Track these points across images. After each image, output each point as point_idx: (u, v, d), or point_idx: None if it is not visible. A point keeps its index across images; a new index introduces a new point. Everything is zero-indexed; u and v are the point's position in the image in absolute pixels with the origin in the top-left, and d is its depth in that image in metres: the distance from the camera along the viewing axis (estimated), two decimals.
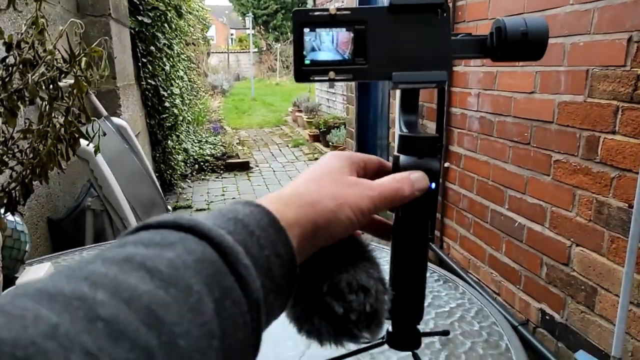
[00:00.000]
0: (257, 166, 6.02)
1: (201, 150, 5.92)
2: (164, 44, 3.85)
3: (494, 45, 0.48)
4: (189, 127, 6.02)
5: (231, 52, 22.59)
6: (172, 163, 4.56)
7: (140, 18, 3.26)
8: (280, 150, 7.04)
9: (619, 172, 1.54)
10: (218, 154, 6.00)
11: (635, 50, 1.45)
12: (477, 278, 2.40)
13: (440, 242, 2.78)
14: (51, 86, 0.58)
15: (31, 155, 0.61)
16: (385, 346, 0.62)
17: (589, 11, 1.62)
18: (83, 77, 0.59)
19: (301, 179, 0.39)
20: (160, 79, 3.85)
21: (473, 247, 2.43)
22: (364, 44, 0.50)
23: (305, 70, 0.51)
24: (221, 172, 5.65)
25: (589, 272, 1.69)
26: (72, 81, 0.61)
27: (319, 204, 0.36)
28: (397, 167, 0.51)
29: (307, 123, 7.85)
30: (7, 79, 0.59)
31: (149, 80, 3.67)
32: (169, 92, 4.07)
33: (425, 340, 0.67)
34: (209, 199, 4.60)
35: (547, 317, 1.92)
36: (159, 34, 3.64)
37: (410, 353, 0.61)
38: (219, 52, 21.76)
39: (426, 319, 0.74)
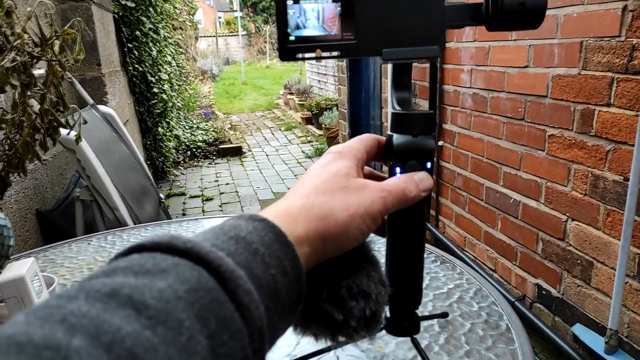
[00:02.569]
0: (250, 151, 5.98)
1: (193, 137, 5.86)
2: (150, 29, 3.77)
3: (489, 15, 0.46)
4: (179, 114, 5.95)
5: (220, 36, 22.26)
6: (164, 150, 4.51)
7: (123, 2, 3.18)
8: (273, 134, 6.99)
9: (614, 144, 1.52)
10: (210, 140, 5.94)
11: (630, 20, 1.43)
12: (473, 256, 2.40)
13: (436, 221, 2.77)
14: (23, 72, 0.55)
15: (7, 147, 0.58)
16: (384, 332, 0.60)
17: None
18: (57, 62, 0.56)
19: (309, 186, 0.37)
20: (147, 64, 3.78)
21: (468, 225, 2.42)
22: (352, 18, 0.47)
23: (291, 48, 0.48)
24: (214, 157, 5.61)
25: (585, 246, 1.69)
26: (43, 70, 0.58)
27: (330, 217, 0.34)
28: (390, 147, 0.49)
29: (299, 106, 7.79)
30: None
31: (136, 66, 3.60)
32: (156, 77, 4.00)
33: (424, 324, 0.65)
34: (202, 185, 4.57)
35: (543, 292, 1.93)
36: (144, 18, 3.56)
37: (409, 338, 0.59)
38: (207, 36, 21.43)
39: (424, 301, 0.72)
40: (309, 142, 6.28)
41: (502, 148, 2.07)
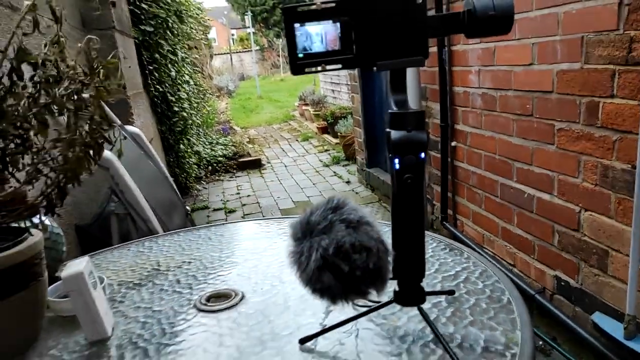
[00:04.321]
0: (269, 162, 6.10)
1: (213, 152, 6.02)
2: (168, 51, 3.93)
3: (465, 24, 0.54)
4: (199, 130, 6.11)
5: (233, 53, 22.66)
6: (186, 167, 4.65)
7: (142, 27, 3.34)
8: (290, 145, 7.11)
9: (620, 134, 1.57)
10: (230, 154, 6.09)
11: (627, 14, 1.48)
12: (492, 252, 2.44)
13: (454, 220, 2.82)
14: (75, 97, 0.65)
15: (63, 162, 0.68)
16: (396, 307, 0.69)
17: None
18: (102, 87, 0.66)
19: None
20: (167, 85, 3.93)
21: (486, 222, 2.47)
22: (350, 37, 0.56)
23: (300, 64, 0.58)
24: (234, 171, 5.74)
25: (599, 235, 1.72)
26: (91, 93, 0.68)
27: None
28: (389, 142, 0.57)
29: (314, 116, 7.90)
30: (36, 95, 0.66)
31: (157, 87, 3.75)
32: (176, 97, 4.16)
33: (432, 300, 0.73)
34: (224, 198, 4.69)
35: (562, 284, 1.96)
36: (162, 41, 3.72)
37: (418, 313, 0.67)
38: (221, 54, 21.84)
39: (433, 282, 0.80)
40: (326, 150, 6.37)
41: (514, 144, 2.13)
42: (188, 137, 4.81)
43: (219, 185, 5.21)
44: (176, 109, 4.12)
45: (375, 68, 0.55)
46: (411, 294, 0.61)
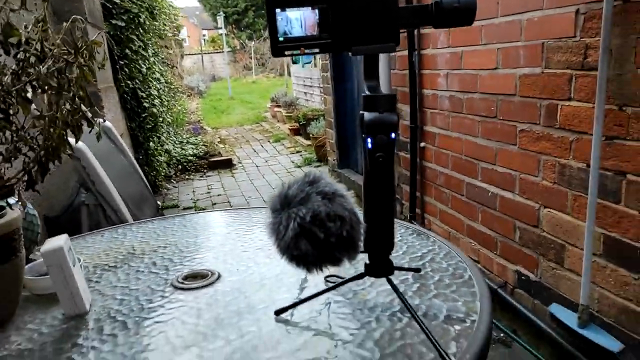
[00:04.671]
0: (240, 163, 6.09)
1: (183, 151, 5.96)
2: (139, 46, 3.89)
3: (433, 15, 0.59)
4: (169, 129, 6.05)
5: (205, 53, 22.44)
6: (155, 165, 4.60)
7: (114, 22, 3.30)
8: (262, 146, 7.11)
9: (576, 135, 1.67)
10: (201, 154, 6.04)
11: (583, 22, 1.58)
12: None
13: (422, 219, 2.90)
14: (59, 76, 0.67)
15: (44, 139, 0.69)
16: (365, 282, 0.73)
17: None
18: (86, 66, 0.68)
19: None
20: (137, 81, 3.89)
21: (452, 220, 2.56)
22: (328, 23, 0.60)
23: (280, 47, 0.62)
24: (205, 170, 5.71)
25: (557, 230, 1.82)
26: (76, 72, 0.69)
27: None
28: (362, 122, 0.62)
29: (286, 118, 7.93)
30: (19, 72, 0.67)
31: (127, 82, 3.71)
32: (147, 93, 4.11)
33: (400, 277, 0.78)
34: (195, 197, 4.66)
35: (523, 278, 2.05)
36: (134, 37, 3.68)
37: (386, 288, 0.71)
38: (192, 54, 21.59)
39: (401, 262, 0.84)
40: (298, 152, 6.40)
41: (479, 145, 2.22)
42: (158, 135, 4.75)
43: (189, 185, 5.17)
44: (146, 105, 4.08)
45: (350, 53, 0.60)
46: (381, 266, 0.66)
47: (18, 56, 0.67)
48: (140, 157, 4.27)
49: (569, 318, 1.74)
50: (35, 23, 0.67)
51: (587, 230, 1.61)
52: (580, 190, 1.69)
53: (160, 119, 4.74)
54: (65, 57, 0.66)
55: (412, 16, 0.61)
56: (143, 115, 4.06)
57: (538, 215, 1.91)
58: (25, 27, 0.74)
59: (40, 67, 0.65)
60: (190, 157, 5.83)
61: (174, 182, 5.24)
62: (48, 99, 0.70)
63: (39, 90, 0.66)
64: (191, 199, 4.62)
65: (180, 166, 5.60)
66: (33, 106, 0.70)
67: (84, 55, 0.68)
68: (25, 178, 0.70)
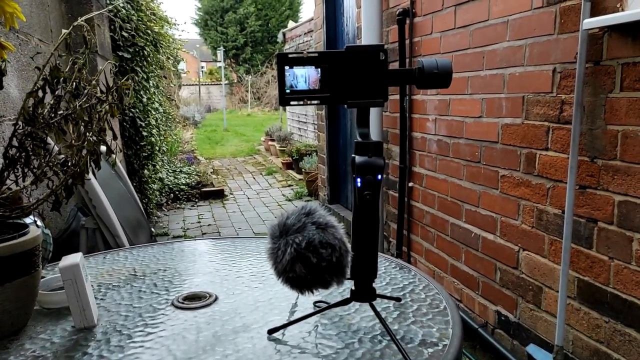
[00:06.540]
0: (232, 194, 6.16)
1: (176, 180, 6.03)
2: (142, 77, 4.03)
3: (416, 77, 0.70)
4: (163, 158, 6.13)
5: (202, 85, 22.83)
6: (148, 192, 4.66)
7: (120, 53, 3.44)
8: (254, 178, 7.20)
9: (552, 182, 1.79)
10: (193, 183, 6.12)
11: (559, 79, 1.73)
12: None
13: (408, 257, 2.98)
14: (91, 111, 0.76)
15: (72, 164, 0.78)
16: (351, 308, 0.81)
17: (521, 47, 1.90)
18: (115, 105, 0.77)
19: None
20: (138, 110, 4.00)
21: (437, 259, 2.64)
22: (328, 81, 0.71)
23: (287, 97, 0.72)
24: (196, 200, 5.76)
25: (535, 273, 1.91)
26: (105, 108, 0.79)
27: None
28: (353, 165, 0.72)
29: (279, 152, 8.07)
30: (56, 106, 0.76)
31: (128, 111, 3.82)
32: (146, 122, 4.22)
33: (382, 305, 0.86)
34: (185, 226, 4.70)
35: (502, 318, 2.13)
36: (138, 68, 3.82)
37: (369, 314, 0.80)
38: (190, 85, 21.96)
39: (384, 292, 0.92)
40: (289, 185, 6.50)
41: (463, 188, 2.33)
42: (153, 163, 4.83)
43: (180, 213, 5.22)
44: (145, 134, 4.18)
45: (346, 105, 0.70)
46: (365, 292, 0.74)
47: (57, 92, 0.76)
48: (134, 183, 4.33)
49: (545, 359, 1.80)
50: (76, 68, 0.77)
51: (562, 274, 1.71)
52: (556, 235, 1.79)
53: (157, 148, 4.83)
54: (97, 95, 0.76)
55: (399, 78, 0.72)
56: (141, 143, 4.15)
57: (517, 257, 2.00)
58: (59, 66, 0.84)
59: (76, 102, 0.75)
60: (182, 186, 5.90)
61: (165, 210, 5.29)
62: (77, 131, 0.79)
63: (73, 123, 0.75)
64: (181, 227, 4.66)
65: (172, 194, 5.66)
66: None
67: (114, 95, 0.77)
68: (52, 199, 0.78)
